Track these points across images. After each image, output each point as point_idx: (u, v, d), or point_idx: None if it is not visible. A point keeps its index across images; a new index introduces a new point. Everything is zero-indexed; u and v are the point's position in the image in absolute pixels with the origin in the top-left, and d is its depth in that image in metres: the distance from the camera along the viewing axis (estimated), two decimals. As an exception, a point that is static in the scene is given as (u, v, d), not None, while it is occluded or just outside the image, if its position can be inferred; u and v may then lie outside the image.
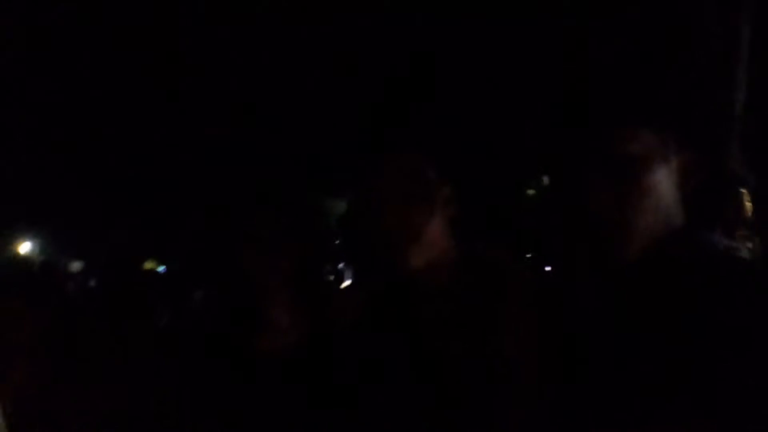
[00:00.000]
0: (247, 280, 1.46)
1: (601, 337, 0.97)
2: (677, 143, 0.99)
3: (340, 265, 6.07)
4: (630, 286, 0.97)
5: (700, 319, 0.86)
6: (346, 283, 6.05)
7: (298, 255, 1.46)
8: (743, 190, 3.06)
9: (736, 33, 3.58)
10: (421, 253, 1.21)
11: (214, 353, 1.49)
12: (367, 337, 1.29)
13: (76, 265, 8.40)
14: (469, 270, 1.26)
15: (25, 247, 12.85)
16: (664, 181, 0.97)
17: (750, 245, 2.91)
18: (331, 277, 5.99)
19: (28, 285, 3.59)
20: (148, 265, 7.22)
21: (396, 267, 1.24)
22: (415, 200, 1.22)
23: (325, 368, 1.35)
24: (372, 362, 1.25)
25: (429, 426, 1.15)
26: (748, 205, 3.04)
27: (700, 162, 1.00)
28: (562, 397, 1.00)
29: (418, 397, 1.17)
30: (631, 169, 0.95)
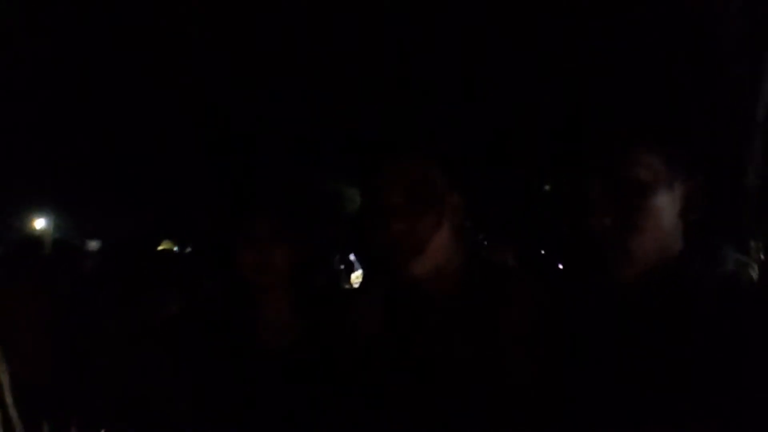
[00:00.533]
0: (244, 279, 1.47)
1: (599, 345, 0.99)
2: (684, 170, 0.98)
3: (351, 257, 6.08)
4: (626, 303, 0.98)
5: (690, 341, 0.88)
6: (357, 273, 6.08)
7: (295, 255, 1.47)
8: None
9: (761, 40, 3.51)
10: (427, 262, 1.20)
11: (217, 347, 1.51)
12: (374, 339, 1.30)
13: (93, 244, 8.47)
14: (474, 275, 1.26)
15: (39, 224, 12.97)
16: (665, 209, 0.96)
17: (762, 256, 2.88)
18: (342, 267, 6.01)
19: (38, 265, 3.65)
20: (165, 245, 7.23)
21: (402, 273, 1.23)
22: (424, 209, 1.20)
23: (325, 368, 1.36)
24: (376, 365, 1.27)
25: (432, 428, 1.16)
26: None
27: (705, 191, 0.99)
28: (563, 400, 1.01)
29: (421, 400, 1.18)
30: (634, 193, 0.95)
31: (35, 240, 4.02)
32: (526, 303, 1.18)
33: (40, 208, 13.08)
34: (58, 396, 2.98)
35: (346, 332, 1.35)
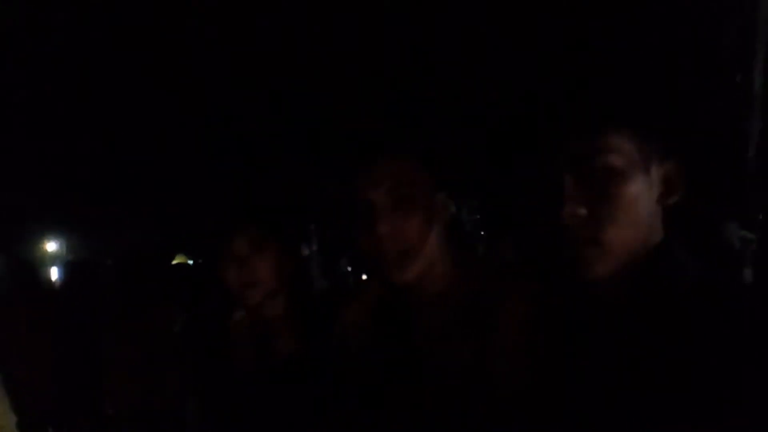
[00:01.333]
0: (234, 294, 1.46)
1: (587, 345, 0.96)
2: (661, 153, 0.92)
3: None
4: (603, 300, 0.93)
5: (675, 337, 0.84)
6: (365, 277, 6.08)
7: (280, 266, 1.45)
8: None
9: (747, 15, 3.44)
10: (416, 264, 1.17)
11: (216, 359, 1.51)
12: (366, 344, 1.29)
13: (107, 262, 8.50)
14: (465, 277, 1.24)
15: (51, 247, 13.09)
16: (642, 196, 0.90)
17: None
18: (348, 268, 6.03)
19: (34, 292, 3.64)
20: (179, 258, 7.25)
21: (391, 276, 1.19)
22: (410, 210, 1.16)
23: (321, 376, 1.35)
24: (370, 370, 1.25)
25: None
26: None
27: (683, 173, 0.93)
28: (560, 401, 0.98)
29: (416, 404, 1.17)
30: (607, 181, 0.89)
31: (28, 266, 3.93)
32: (521, 302, 1.15)
33: (51, 231, 13.20)
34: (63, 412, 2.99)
35: (339, 337, 1.34)
